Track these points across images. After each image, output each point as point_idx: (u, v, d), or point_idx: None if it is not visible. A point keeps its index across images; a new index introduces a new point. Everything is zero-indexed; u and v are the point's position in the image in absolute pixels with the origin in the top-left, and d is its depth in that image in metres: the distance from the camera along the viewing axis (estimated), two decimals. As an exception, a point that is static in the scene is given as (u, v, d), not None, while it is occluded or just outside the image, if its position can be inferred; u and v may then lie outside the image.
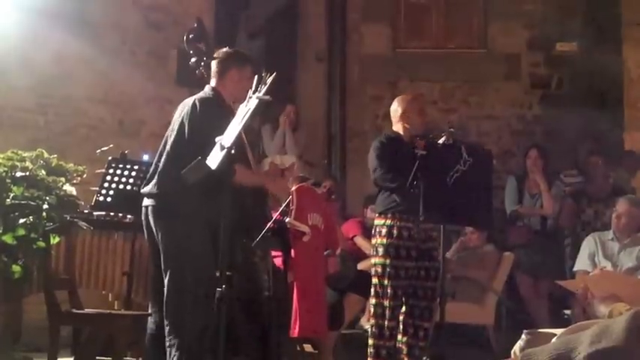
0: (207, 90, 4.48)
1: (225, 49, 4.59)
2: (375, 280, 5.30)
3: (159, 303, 4.36)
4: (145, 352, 4.61)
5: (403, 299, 5.23)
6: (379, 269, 5.27)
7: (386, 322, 5.23)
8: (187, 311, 4.14)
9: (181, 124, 4.32)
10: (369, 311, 5.44)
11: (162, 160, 4.34)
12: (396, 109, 5.49)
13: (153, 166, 4.43)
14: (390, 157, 5.28)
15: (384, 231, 5.27)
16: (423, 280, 5.22)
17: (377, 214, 5.38)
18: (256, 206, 4.61)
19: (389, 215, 5.25)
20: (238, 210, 4.00)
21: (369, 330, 5.33)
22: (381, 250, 5.27)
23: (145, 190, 4.37)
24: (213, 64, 4.50)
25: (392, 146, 5.35)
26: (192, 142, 4.17)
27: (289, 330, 5.12)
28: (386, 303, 5.22)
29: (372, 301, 5.31)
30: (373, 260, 5.35)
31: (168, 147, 4.36)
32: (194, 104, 4.33)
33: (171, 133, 4.40)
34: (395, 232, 5.21)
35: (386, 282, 5.21)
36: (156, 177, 4.32)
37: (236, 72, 4.44)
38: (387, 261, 5.21)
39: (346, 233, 7.07)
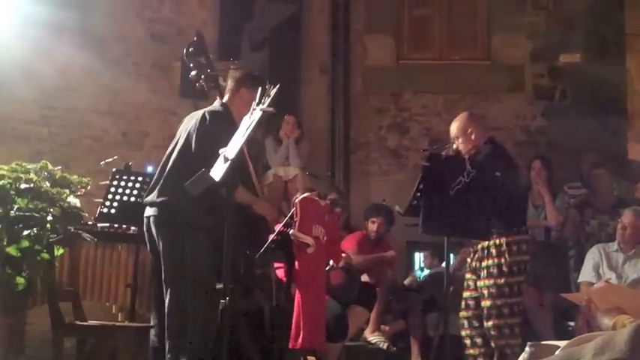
0: (217, 104, 4.49)
1: (243, 69, 4.61)
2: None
3: (161, 315, 4.36)
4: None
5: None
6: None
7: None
8: (189, 325, 4.12)
9: (189, 135, 4.33)
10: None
11: (167, 169, 4.34)
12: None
13: (155, 176, 4.43)
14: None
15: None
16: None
17: None
18: (260, 218, 4.60)
19: None
20: (242, 221, 4.00)
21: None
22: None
23: (148, 199, 4.37)
24: (228, 80, 4.52)
25: None
26: (199, 154, 4.17)
27: (291, 341, 5.10)
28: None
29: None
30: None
31: (173, 157, 4.36)
32: (204, 116, 4.34)
33: (176, 144, 4.40)
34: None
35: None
36: (158, 186, 4.31)
37: (246, 92, 4.46)
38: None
39: (344, 248, 7.01)
